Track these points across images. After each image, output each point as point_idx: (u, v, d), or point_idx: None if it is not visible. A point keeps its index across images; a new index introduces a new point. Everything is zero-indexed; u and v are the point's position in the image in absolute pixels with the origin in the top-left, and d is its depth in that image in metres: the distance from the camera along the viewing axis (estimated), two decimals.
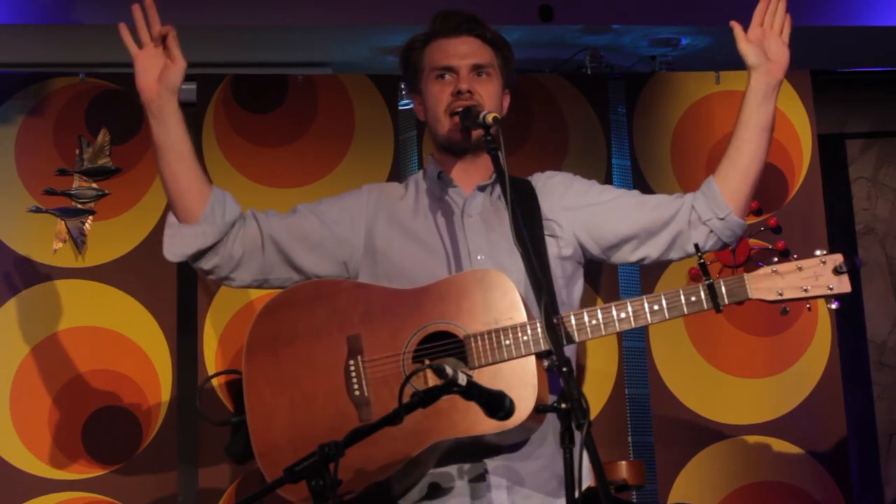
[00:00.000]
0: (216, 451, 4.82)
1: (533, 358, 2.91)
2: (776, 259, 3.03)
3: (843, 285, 2.93)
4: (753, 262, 5.24)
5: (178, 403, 4.88)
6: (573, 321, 2.99)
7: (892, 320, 6.14)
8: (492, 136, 2.97)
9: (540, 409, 2.71)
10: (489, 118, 2.99)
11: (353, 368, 2.99)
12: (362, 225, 3.24)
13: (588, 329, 2.99)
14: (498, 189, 3.16)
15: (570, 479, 2.49)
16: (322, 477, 2.50)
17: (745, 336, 5.20)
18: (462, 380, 2.61)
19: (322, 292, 3.08)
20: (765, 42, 3.22)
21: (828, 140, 5.84)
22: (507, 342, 2.92)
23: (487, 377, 2.90)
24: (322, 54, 5.59)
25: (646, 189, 5.28)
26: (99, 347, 4.86)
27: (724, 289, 2.98)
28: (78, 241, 4.90)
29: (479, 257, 3.11)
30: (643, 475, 4.64)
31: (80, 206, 4.93)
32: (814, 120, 5.37)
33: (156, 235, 4.93)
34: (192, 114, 5.09)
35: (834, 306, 3.01)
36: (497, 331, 2.93)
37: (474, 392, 2.64)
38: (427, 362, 2.87)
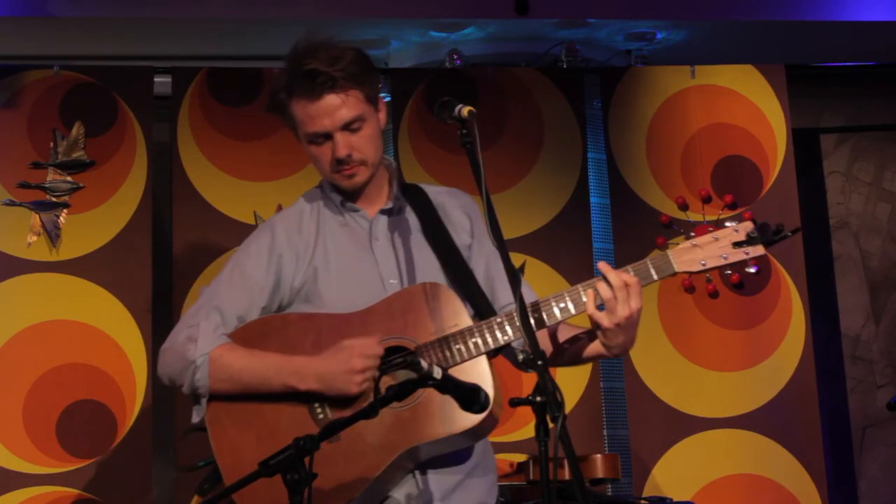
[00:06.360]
0: (192, 444, 4.82)
1: (484, 358, 2.95)
2: (693, 233, 3.04)
3: (757, 250, 2.98)
4: None
5: (154, 397, 4.87)
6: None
7: (865, 314, 6.17)
8: (467, 130, 2.95)
9: (514, 403, 2.71)
10: (464, 112, 2.97)
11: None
12: (274, 267, 3.15)
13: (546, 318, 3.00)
14: (400, 206, 3.14)
15: (545, 473, 2.50)
16: (297, 470, 2.50)
17: (720, 329, 5.22)
18: (437, 373, 2.62)
19: (271, 328, 3.08)
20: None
21: (802, 134, 5.87)
22: (458, 346, 2.97)
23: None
24: None
25: (621, 183, 5.30)
26: (73, 341, 4.84)
27: (651, 268, 2.99)
28: (52, 235, 4.88)
29: (391, 281, 3.11)
30: (618, 468, 4.65)
31: (54, 199, 4.91)
32: (788, 114, 5.39)
33: (130, 229, 4.92)
34: (168, 107, 5.08)
35: (752, 270, 3.04)
36: (446, 337, 2.98)
37: (449, 385, 2.65)
38: (391, 374, 2.92)
